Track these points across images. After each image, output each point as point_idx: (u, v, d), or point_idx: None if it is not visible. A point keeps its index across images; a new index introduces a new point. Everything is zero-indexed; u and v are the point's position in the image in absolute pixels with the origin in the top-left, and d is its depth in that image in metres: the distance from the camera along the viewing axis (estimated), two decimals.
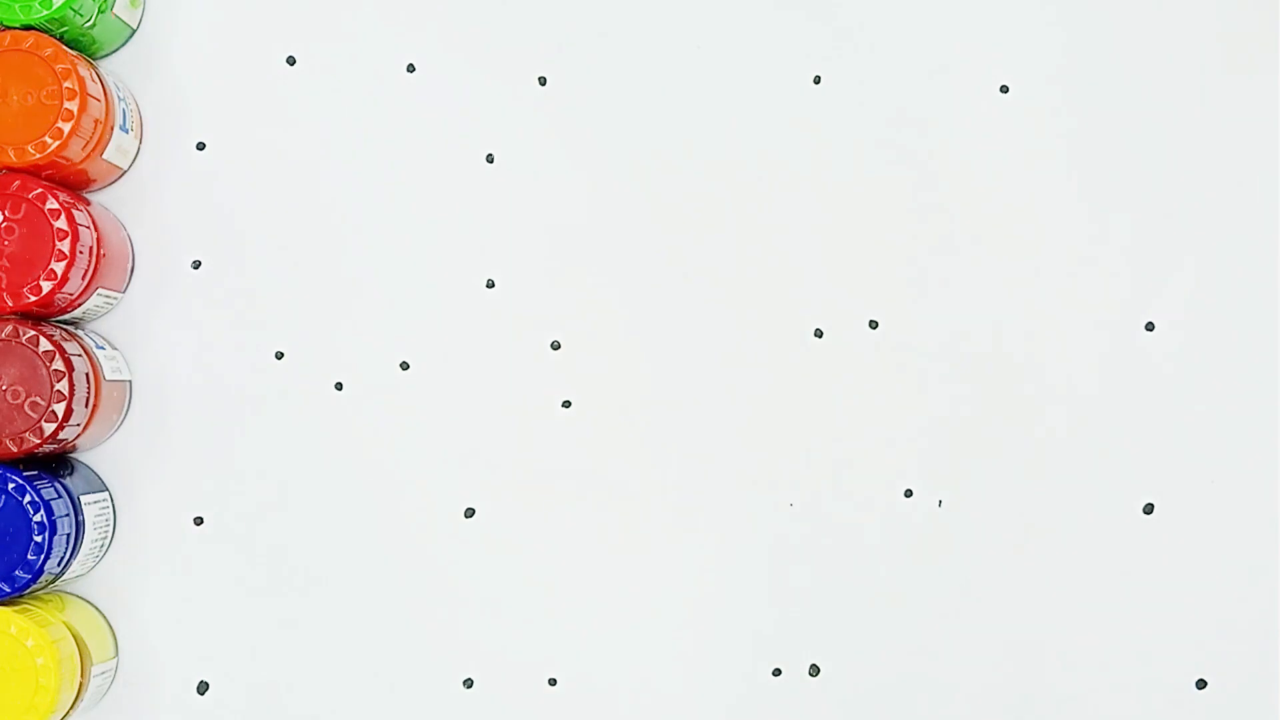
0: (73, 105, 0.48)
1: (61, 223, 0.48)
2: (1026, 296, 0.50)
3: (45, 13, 0.48)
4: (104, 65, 0.52)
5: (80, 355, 0.48)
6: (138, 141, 0.52)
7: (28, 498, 0.47)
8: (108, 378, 0.49)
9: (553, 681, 0.51)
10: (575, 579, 0.51)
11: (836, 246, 0.52)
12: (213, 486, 0.51)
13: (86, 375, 0.48)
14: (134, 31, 0.52)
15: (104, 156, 0.50)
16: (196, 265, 0.52)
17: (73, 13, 0.48)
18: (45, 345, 0.47)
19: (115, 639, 0.51)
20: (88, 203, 0.50)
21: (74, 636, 0.48)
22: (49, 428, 0.47)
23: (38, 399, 0.47)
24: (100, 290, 0.50)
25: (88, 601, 0.51)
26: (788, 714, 0.51)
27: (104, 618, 0.51)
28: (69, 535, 0.48)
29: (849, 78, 0.52)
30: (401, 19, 0.53)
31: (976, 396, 0.51)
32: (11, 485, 0.47)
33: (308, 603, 0.51)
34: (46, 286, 0.47)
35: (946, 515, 0.51)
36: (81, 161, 0.49)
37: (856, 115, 0.52)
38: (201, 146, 0.52)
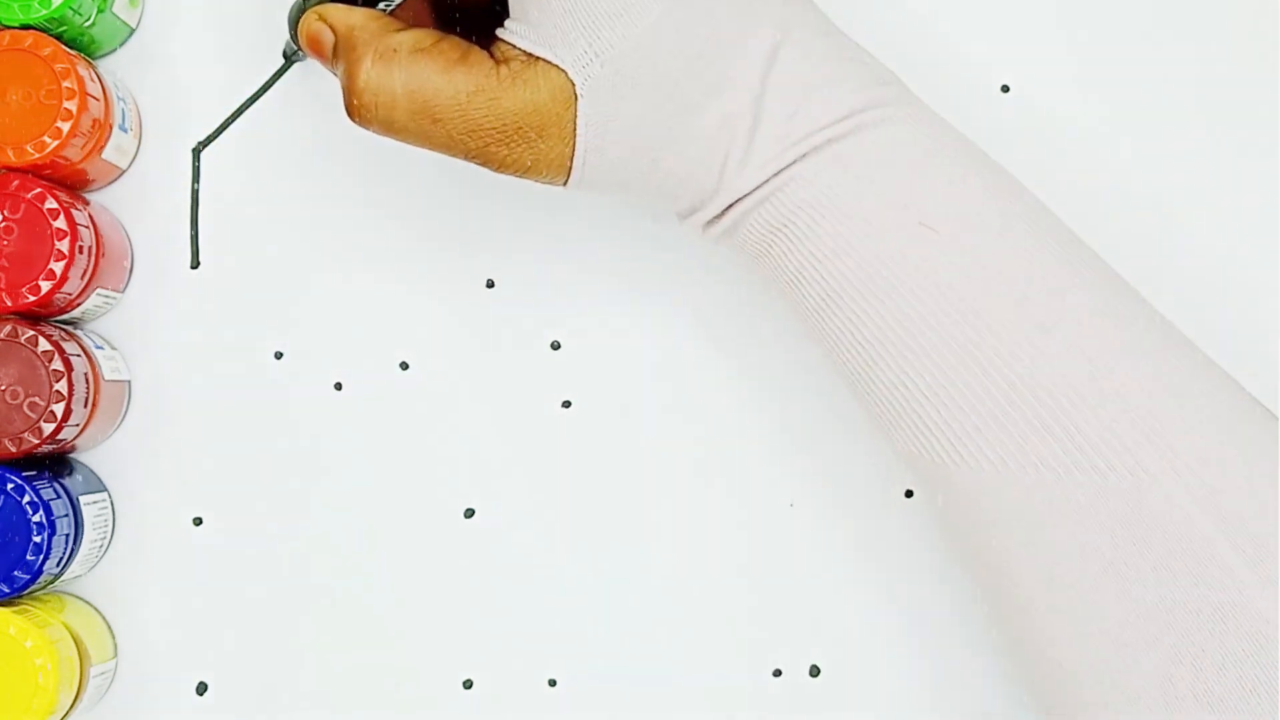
0: (72, 105, 0.48)
1: (60, 222, 0.47)
2: None
3: (45, 12, 0.48)
4: (103, 65, 0.52)
5: (79, 355, 0.48)
6: (137, 141, 0.52)
7: (27, 498, 0.47)
8: (106, 378, 0.49)
9: (553, 682, 0.51)
10: (575, 579, 0.51)
11: None
12: (213, 486, 0.51)
13: (85, 375, 0.48)
14: (133, 31, 0.52)
15: (103, 156, 0.50)
16: (196, 265, 0.52)
17: (72, 12, 0.48)
18: (44, 345, 0.47)
19: (115, 639, 0.51)
20: (87, 203, 0.50)
21: (73, 637, 0.48)
22: (48, 428, 0.47)
23: (36, 399, 0.47)
24: (99, 290, 0.50)
25: (87, 602, 0.51)
26: (788, 714, 0.51)
27: (103, 618, 0.51)
28: (68, 535, 0.48)
29: None
30: None
31: None
32: (11, 485, 0.47)
33: (307, 603, 0.51)
34: (45, 286, 0.47)
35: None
36: (80, 161, 0.49)
37: None
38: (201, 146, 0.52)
